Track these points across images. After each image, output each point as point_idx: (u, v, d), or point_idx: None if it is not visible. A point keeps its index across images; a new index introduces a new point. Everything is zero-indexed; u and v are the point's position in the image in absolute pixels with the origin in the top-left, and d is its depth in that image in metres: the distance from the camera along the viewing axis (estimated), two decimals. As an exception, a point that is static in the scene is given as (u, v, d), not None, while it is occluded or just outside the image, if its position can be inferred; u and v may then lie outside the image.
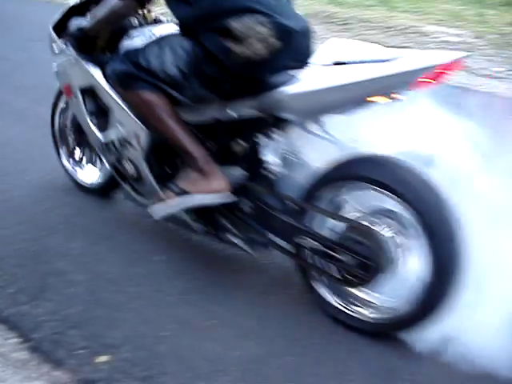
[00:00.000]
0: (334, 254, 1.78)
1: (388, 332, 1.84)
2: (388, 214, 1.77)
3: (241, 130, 1.91)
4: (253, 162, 1.90)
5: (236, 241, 2.06)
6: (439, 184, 1.66)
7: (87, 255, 2.30)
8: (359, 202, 1.81)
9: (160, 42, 1.94)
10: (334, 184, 1.80)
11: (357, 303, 1.89)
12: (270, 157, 1.85)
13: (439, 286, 1.64)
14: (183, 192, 1.92)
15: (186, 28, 1.87)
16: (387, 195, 1.69)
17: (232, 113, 1.87)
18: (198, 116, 1.98)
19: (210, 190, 1.89)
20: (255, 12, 1.69)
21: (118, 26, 2.12)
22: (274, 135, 1.85)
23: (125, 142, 2.15)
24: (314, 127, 1.83)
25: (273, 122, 1.82)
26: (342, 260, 1.77)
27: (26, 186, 2.85)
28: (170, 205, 1.98)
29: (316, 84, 1.70)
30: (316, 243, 1.82)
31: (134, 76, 1.91)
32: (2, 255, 2.25)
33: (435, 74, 1.58)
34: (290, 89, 1.72)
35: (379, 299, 1.86)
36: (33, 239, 2.38)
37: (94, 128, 2.33)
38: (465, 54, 1.66)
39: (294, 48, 1.77)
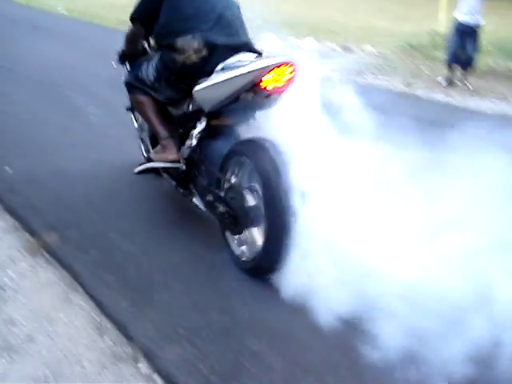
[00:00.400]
0: (220, 207, 2.42)
1: (256, 272, 2.37)
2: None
3: (194, 118, 2.59)
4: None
5: (197, 202, 2.74)
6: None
7: (284, 336, 2.05)
8: (245, 171, 2.40)
9: (148, 58, 2.76)
10: (231, 157, 2.44)
11: (240, 247, 2.48)
12: (193, 138, 2.58)
13: (273, 240, 2.21)
14: (149, 159, 2.84)
15: (157, 45, 2.75)
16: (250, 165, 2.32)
17: (191, 107, 2.61)
18: (177, 110, 2.74)
19: (164, 159, 2.70)
20: (193, 32, 2.43)
21: (136, 47, 2.94)
22: (202, 122, 2.54)
23: (141, 127, 3.19)
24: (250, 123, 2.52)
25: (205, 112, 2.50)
26: (223, 212, 2.40)
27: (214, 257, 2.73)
28: (140, 167, 2.94)
29: (204, 84, 2.38)
30: (212, 199, 2.49)
31: (132, 84, 2.78)
32: (194, 326, 2.09)
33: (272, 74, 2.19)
34: (195, 88, 2.43)
35: (249, 246, 2.42)
36: (224, 310, 2.20)
37: (132, 119, 3.30)
38: (292, 58, 2.24)
39: (219, 56, 2.43)
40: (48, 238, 2.78)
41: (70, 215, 3.02)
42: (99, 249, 2.66)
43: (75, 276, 2.43)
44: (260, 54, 2.51)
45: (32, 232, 2.85)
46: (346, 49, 9.25)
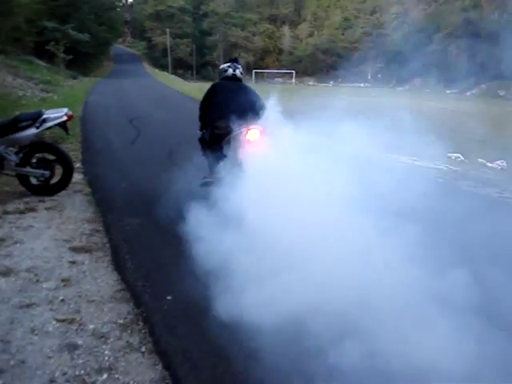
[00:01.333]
0: None
1: None
2: None
3: None
4: None
5: None
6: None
7: None
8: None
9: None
10: None
11: None
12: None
13: None
14: (204, 178, 4.81)
15: (207, 124, 4.91)
16: None
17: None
18: None
19: (210, 178, 4.67)
20: (220, 119, 4.63)
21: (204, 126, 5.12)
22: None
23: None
24: None
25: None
26: None
27: None
28: (202, 181, 4.81)
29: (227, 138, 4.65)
30: None
31: (200, 140, 5.05)
32: None
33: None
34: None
35: None
36: None
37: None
38: (259, 126, 4.40)
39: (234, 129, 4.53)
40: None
41: (230, 378, 2.43)
42: None
43: None
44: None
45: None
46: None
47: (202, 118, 4.98)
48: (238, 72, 4.94)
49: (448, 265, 2.98)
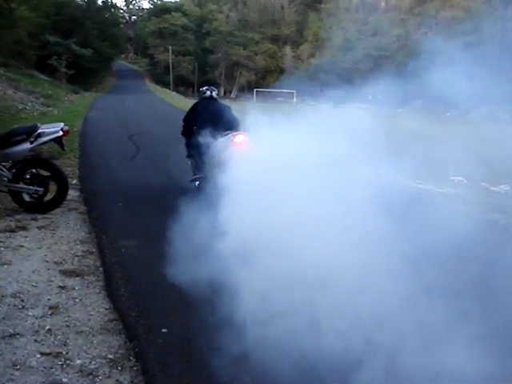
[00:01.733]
0: None
1: None
2: None
3: None
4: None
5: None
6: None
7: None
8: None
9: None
10: None
11: None
12: None
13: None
14: (194, 175, 6.21)
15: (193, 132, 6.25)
16: None
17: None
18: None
19: (199, 175, 6.04)
20: (204, 128, 5.63)
21: (188, 132, 6.43)
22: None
23: (192, 163, 6.50)
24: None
25: None
26: None
27: None
28: (192, 178, 6.24)
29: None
30: None
31: (187, 145, 6.41)
32: None
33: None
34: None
35: None
36: None
37: (188, 159, 6.58)
38: (243, 131, 5.61)
39: (215, 136, 5.69)
40: None
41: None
42: None
43: None
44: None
45: None
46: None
47: (185, 125, 6.35)
48: (214, 93, 6.52)
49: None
